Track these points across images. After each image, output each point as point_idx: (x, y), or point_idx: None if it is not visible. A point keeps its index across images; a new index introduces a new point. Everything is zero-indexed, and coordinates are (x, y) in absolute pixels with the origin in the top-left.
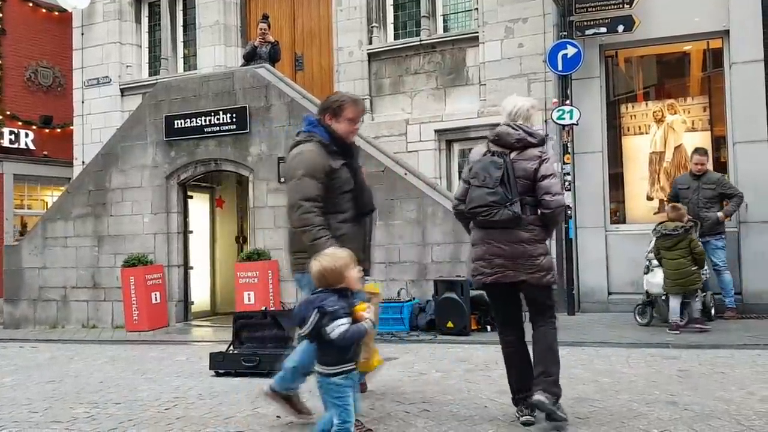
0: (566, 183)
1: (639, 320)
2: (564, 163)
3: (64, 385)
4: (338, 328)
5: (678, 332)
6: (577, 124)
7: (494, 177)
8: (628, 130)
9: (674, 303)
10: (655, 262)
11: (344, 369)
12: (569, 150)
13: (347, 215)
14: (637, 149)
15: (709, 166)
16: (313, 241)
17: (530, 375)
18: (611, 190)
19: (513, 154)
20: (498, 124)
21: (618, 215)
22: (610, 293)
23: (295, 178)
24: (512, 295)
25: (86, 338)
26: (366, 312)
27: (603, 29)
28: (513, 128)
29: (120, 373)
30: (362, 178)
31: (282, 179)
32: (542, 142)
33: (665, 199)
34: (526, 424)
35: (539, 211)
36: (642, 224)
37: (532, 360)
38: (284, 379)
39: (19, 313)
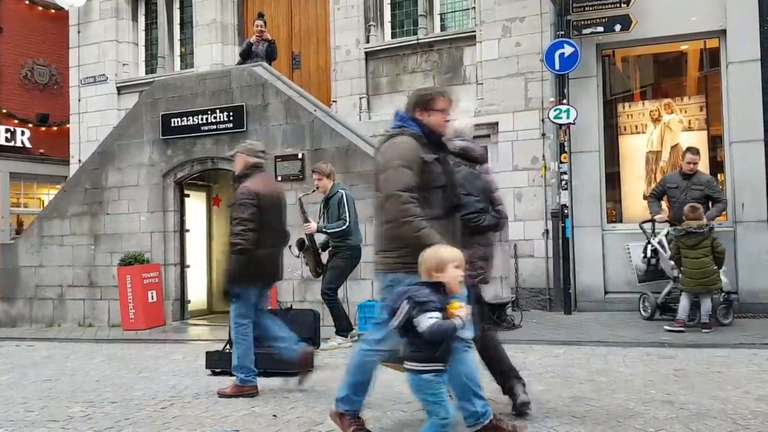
0: (563, 182)
1: (643, 313)
2: (561, 162)
3: (60, 383)
4: (427, 320)
5: (683, 329)
6: (574, 123)
7: (478, 187)
8: (625, 130)
9: (685, 302)
10: (665, 253)
11: (434, 368)
12: (566, 149)
13: (438, 212)
14: (634, 148)
15: (704, 166)
16: (417, 233)
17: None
18: (608, 190)
19: (484, 167)
20: (495, 124)
21: (615, 214)
22: (606, 292)
23: (390, 168)
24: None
25: (82, 337)
26: (459, 310)
27: (600, 28)
28: (474, 146)
29: (116, 371)
30: (453, 175)
31: (278, 178)
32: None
33: (646, 195)
34: (524, 404)
35: None
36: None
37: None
38: (345, 401)
39: (16, 311)
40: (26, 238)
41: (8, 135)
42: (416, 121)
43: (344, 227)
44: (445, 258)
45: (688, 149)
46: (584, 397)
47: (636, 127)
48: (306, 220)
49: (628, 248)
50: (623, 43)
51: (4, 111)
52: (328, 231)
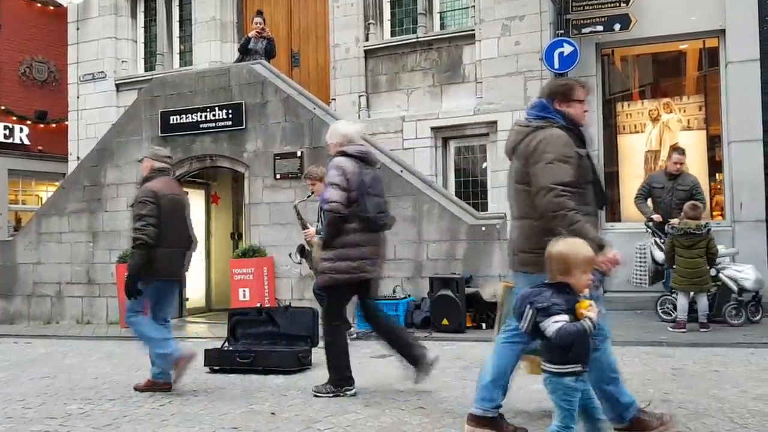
0: None
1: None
2: None
3: (58, 381)
4: (552, 325)
5: (684, 330)
6: None
7: (382, 189)
8: (624, 129)
9: (683, 301)
10: (659, 254)
11: (571, 370)
12: None
13: (590, 208)
14: (633, 148)
15: (702, 166)
16: (571, 226)
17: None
18: (607, 189)
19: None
20: (495, 122)
21: (614, 214)
22: (605, 291)
23: (543, 162)
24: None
25: (81, 334)
26: (588, 310)
27: (599, 27)
28: (371, 149)
29: (114, 369)
30: (596, 170)
31: (278, 176)
32: None
33: (637, 195)
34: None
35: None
36: (637, 222)
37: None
38: (484, 399)
39: (14, 308)
40: (24, 235)
41: (7, 132)
42: (560, 112)
43: None
44: (572, 259)
45: (675, 149)
46: None
47: (635, 126)
48: (304, 227)
49: (643, 247)
50: (622, 43)
51: (3, 108)
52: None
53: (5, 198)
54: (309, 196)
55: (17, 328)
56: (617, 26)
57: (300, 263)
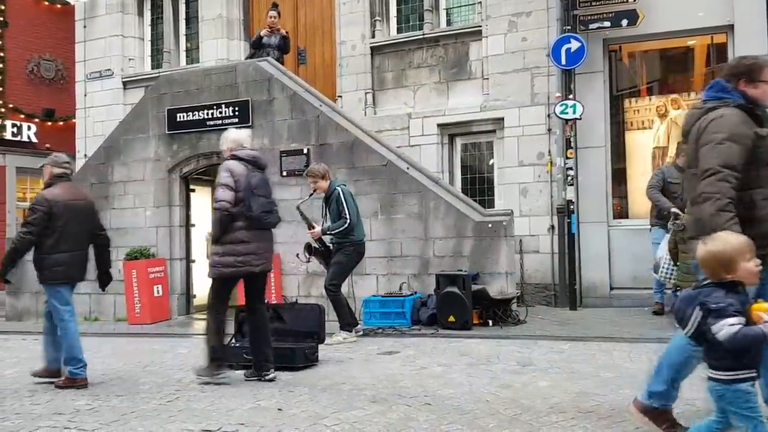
0: (569, 178)
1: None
2: (567, 158)
3: None
4: (726, 328)
5: None
6: (580, 119)
7: (269, 190)
8: (632, 125)
9: None
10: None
11: (748, 375)
12: (572, 145)
13: None
14: (641, 144)
15: None
16: (716, 213)
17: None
18: (614, 185)
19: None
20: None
21: (621, 210)
22: (612, 288)
23: (713, 142)
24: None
25: (88, 331)
26: (765, 313)
27: (607, 23)
28: (259, 155)
29: (122, 365)
30: None
31: (284, 173)
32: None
33: (651, 186)
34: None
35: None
36: (645, 219)
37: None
38: (661, 395)
39: (22, 305)
40: None
41: (15, 130)
42: (741, 92)
43: (346, 225)
44: (732, 253)
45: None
46: (590, 392)
47: (642, 122)
48: (310, 226)
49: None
50: (630, 38)
51: (11, 106)
52: (332, 232)
53: (14, 195)
54: (311, 194)
55: (26, 325)
56: (625, 22)
57: (308, 261)
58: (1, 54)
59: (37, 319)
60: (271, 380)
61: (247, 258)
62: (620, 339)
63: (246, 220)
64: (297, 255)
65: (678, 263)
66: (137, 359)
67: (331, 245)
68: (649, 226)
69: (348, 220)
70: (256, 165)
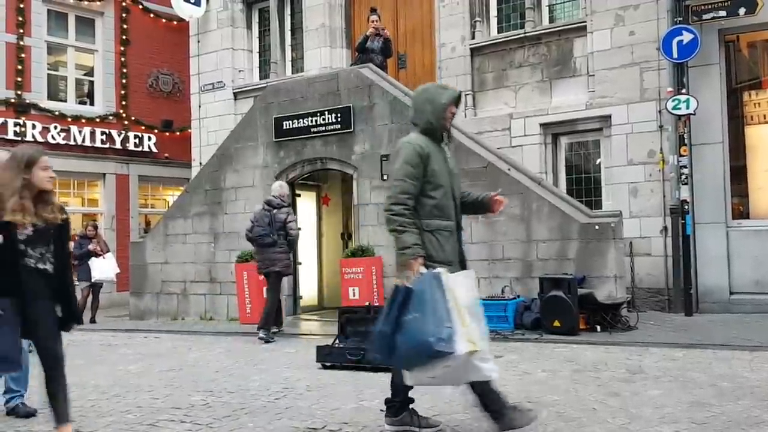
0: (683, 176)
1: None
2: (680, 156)
3: (182, 373)
4: None
5: None
6: (694, 114)
7: (265, 221)
8: (752, 119)
9: None
10: None
11: None
12: (686, 141)
13: None
14: (763, 139)
15: None
16: None
17: None
18: (733, 184)
19: (274, 211)
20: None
21: (741, 210)
22: (731, 293)
23: None
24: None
25: (204, 330)
26: None
27: (722, 12)
28: (275, 199)
29: (233, 363)
30: None
31: (385, 176)
32: (288, 205)
33: None
34: None
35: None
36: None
37: None
38: None
39: (144, 305)
40: (153, 237)
41: (137, 141)
42: None
43: None
44: None
45: None
46: (705, 402)
47: (764, 116)
48: None
49: None
50: (748, 28)
51: (133, 118)
52: None
53: (136, 202)
54: None
55: (147, 323)
56: (742, 10)
57: None
58: (125, 70)
59: (157, 317)
60: None
61: (260, 264)
62: (740, 347)
63: None
64: None
65: None
66: (248, 358)
67: None
68: None
69: None
70: (269, 204)
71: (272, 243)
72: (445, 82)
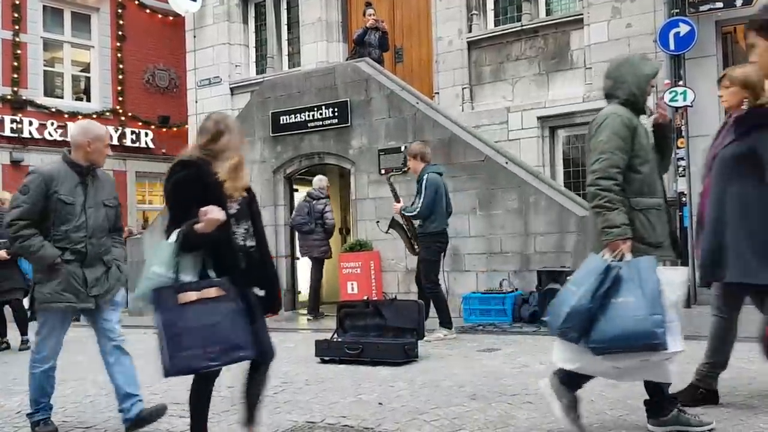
0: (680, 169)
1: None
2: (678, 148)
3: None
4: None
5: None
6: (691, 106)
7: (305, 211)
8: None
9: None
10: None
11: None
12: (683, 133)
13: None
14: None
15: None
16: None
17: None
18: None
19: (314, 202)
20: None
21: None
22: None
23: None
24: None
25: None
26: None
27: (719, 4)
28: (315, 191)
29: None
30: None
31: (382, 171)
32: (327, 197)
33: None
34: None
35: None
36: None
37: None
38: None
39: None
40: (151, 233)
41: (134, 137)
42: None
43: (414, 213)
44: None
45: None
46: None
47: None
48: (397, 200)
49: None
50: (746, 19)
51: (130, 114)
52: (406, 213)
53: (134, 198)
54: (404, 171)
55: (147, 319)
56: (739, 2)
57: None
58: (121, 66)
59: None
60: None
61: (301, 250)
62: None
63: None
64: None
65: None
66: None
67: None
68: None
69: (418, 210)
70: (311, 197)
71: (310, 231)
72: (442, 76)
